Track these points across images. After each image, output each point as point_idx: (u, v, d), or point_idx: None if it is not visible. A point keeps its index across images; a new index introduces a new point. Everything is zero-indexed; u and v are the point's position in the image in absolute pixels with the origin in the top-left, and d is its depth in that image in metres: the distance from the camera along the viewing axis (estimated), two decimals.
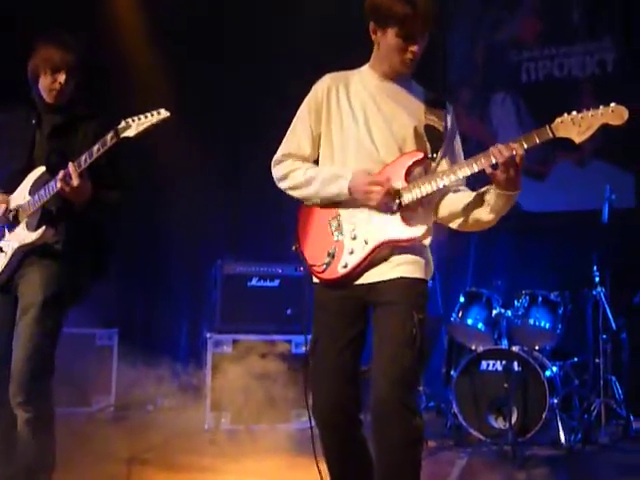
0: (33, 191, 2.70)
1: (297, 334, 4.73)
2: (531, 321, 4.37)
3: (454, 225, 2.33)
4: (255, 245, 6.10)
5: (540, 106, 5.61)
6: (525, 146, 2.11)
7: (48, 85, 2.75)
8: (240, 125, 5.91)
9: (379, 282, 2.24)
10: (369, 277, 2.25)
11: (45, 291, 2.65)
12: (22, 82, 2.85)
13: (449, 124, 2.31)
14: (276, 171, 2.40)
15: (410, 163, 2.23)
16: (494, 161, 2.10)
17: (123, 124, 2.52)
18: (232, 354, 4.62)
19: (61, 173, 2.56)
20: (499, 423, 4.17)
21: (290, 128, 2.41)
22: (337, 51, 5.28)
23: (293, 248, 2.33)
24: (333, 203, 2.29)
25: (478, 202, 2.24)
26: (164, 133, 2.67)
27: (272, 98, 5.64)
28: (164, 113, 2.52)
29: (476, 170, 2.16)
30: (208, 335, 4.69)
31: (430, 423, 3.28)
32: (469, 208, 2.25)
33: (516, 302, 4.48)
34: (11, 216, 2.72)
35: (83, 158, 2.57)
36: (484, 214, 2.24)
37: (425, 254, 2.30)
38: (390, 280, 2.23)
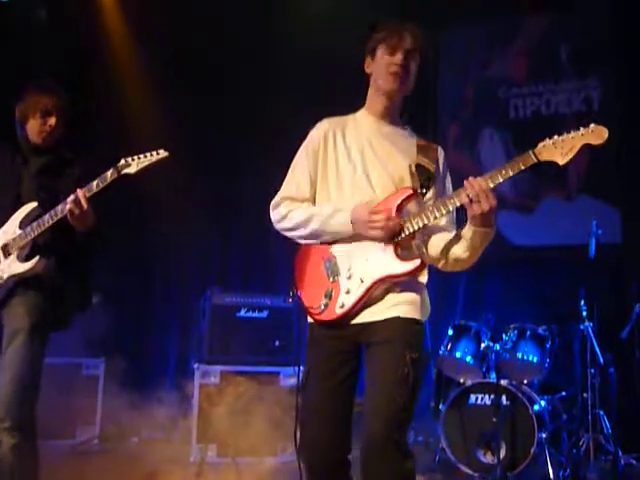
0: (24, 225, 2.82)
1: (285, 365, 4.71)
2: (519, 355, 4.38)
3: (439, 265, 2.35)
4: (243, 276, 6.10)
5: (527, 142, 5.58)
6: (511, 173, 2.16)
7: (38, 127, 2.91)
8: (229, 157, 5.96)
9: (374, 322, 2.24)
10: (365, 316, 2.26)
11: (31, 319, 2.74)
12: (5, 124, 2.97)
13: (441, 165, 2.38)
14: (275, 214, 2.42)
15: (401, 199, 2.27)
16: (468, 193, 2.14)
17: (123, 162, 2.70)
18: (219, 385, 4.59)
19: (72, 196, 2.69)
20: (488, 458, 4.14)
21: (289, 173, 2.45)
22: (332, 85, 5.39)
23: (291, 293, 2.36)
24: (328, 244, 2.31)
25: (456, 240, 2.28)
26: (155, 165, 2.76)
27: (261, 130, 5.71)
28: (163, 153, 2.70)
29: (460, 202, 2.18)
30: (195, 366, 4.66)
31: (418, 457, 3.22)
32: (449, 247, 2.29)
33: (504, 336, 4.48)
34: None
35: (94, 184, 2.71)
36: (461, 251, 2.27)
37: (421, 293, 2.30)
38: (384, 320, 2.24)
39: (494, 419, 4.04)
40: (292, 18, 5.65)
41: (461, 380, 4.46)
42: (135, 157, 2.71)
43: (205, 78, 5.90)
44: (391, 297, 2.26)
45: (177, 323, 5.99)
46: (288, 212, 2.38)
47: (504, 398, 4.15)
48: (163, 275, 6.06)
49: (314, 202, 2.39)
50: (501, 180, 2.17)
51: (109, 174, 2.72)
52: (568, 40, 5.82)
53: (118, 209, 5.10)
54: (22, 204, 2.85)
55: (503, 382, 4.20)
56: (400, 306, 2.24)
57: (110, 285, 5.35)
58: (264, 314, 4.83)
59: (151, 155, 2.70)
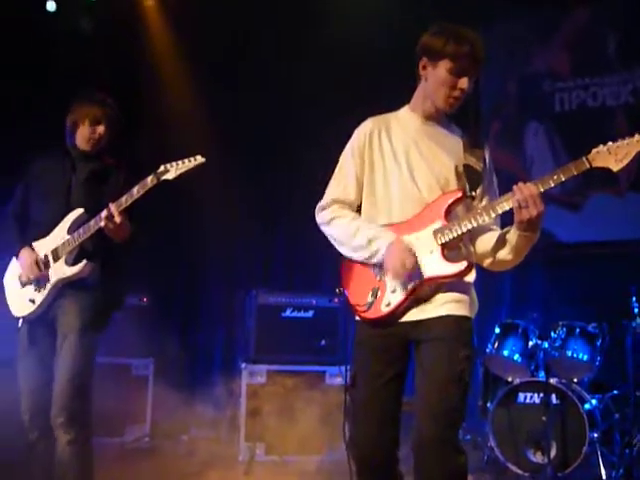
0: (72, 230, 2.93)
1: (331, 365, 4.73)
2: (569, 353, 4.30)
3: (485, 264, 2.37)
4: (288, 276, 6.13)
5: (574, 136, 5.58)
6: (563, 179, 2.13)
7: (87, 135, 3.03)
8: (274, 156, 5.98)
9: (425, 319, 2.25)
10: (413, 315, 2.27)
11: (82, 319, 2.86)
12: (58, 132, 3.09)
13: (487, 164, 2.37)
14: (321, 216, 2.45)
15: (450, 202, 2.28)
16: (517, 199, 2.15)
17: (162, 168, 2.80)
18: (266, 384, 4.63)
19: (104, 212, 2.80)
20: (537, 457, 4.08)
21: (334, 173, 2.46)
22: (373, 83, 5.37)
23: (337, 290, 2.39)
24: None
25: (501, 242, 2.29)
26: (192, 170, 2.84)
27: (305, 127, 5.72)
28: (200, 159, 2.78)
29: (509, 207, 2.20)
30: (243, 365, 4.71)
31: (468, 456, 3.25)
32: (495, 248, 2.30)
33: (553, 333, 4.41)
34: (42, 264, 2.93)
35: (124, 199, 2.82)
36: (505, 253, 2.28)
37: (469, 292, 2.31)
38: (436, 318, 2.24)
39: (544, 418, 3.98)
40: (331, 16, 5.65)
41: (509, 379, 4.41)
42: (174, 163, 2.80)
43: (247, 77, 5.94)
44: (440, 296, 2.26)
45: (223, 322, 6.05)
46: (333, 219, 2.40)
47: (554, 397, 4.09)
48: (208, 275, 6.13)
49: (361, 202, 2.41)
50: (552, 185, 2.15)
51: (149, 180, 2.81)
52: (615, 30, 5.67)
53: (164, 210, 5.22)
54: (71, 209, 2.96)
55: (552, 380, 4.14)
56: (451, 304, 2.25)
57: (157, 286, 5.45)
58: (310, 314, 4.85)
59: (189, 161, 2.78)
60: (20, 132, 4.95)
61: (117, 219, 2.79)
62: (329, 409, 4.59)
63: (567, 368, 4.34)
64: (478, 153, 2.35)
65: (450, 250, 2.26)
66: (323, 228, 2.44)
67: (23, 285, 2.98)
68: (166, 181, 2.79)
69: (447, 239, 2.24)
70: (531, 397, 4.20)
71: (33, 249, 2.98)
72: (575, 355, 4.30)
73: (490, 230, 2.34)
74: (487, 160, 2.37)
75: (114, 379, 4.77)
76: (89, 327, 2.87)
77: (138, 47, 6.00)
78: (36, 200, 3.04)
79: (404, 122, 2.40)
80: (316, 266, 6.06)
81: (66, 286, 2.91)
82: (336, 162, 2.48)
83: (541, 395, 4.13)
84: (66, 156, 3.07)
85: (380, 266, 2.29)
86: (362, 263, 2.34)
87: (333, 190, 2.44)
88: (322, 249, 6.31)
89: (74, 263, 2.90)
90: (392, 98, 2.51)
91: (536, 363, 4.38)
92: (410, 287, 2.24)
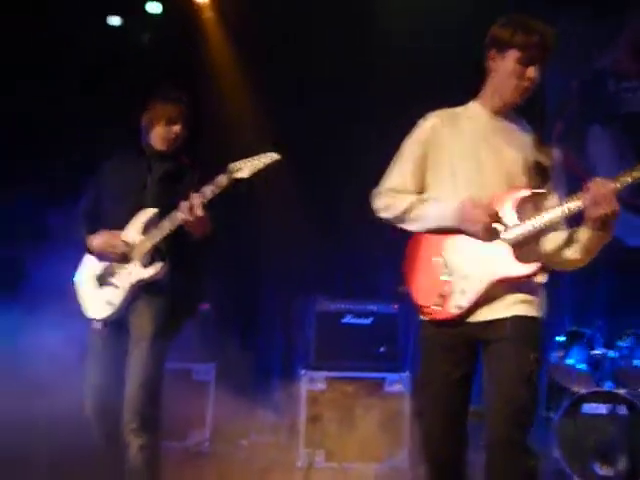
0: (145, 231, 2.88)
1: (391, 372, 4.69)
2: (636, 362, 4.17)
3: (552, 264, 2.30)
4: (346, 282, 6.12)
5: None
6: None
7: (164, 134, 3.00)
8: (330, 161, 5.96)
9: (494, 320, 2.23)
10: (482, 315, 2.24)
11: (156, 323, 2.84)
12: (133, 131, 3.10)
13: (556, 161, 2.33)
14: (377, 202, 2.41)
15: (518, 198, 2.22)
16: (592, 195, 2.08)
17: (235, 167, 2.73)
18: (326, 391, 4.62)
19: (186, 204, 2.73)
20: (605, 470, 3.95)
21: (393, 163, 2.42)
22: (435, 81, 5.31)
23: (400, 289, 2.39)
24: (439, 242, 2.29)
25: (570, 241, 2.23)
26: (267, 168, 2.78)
27: (364, 136, 5.71)
28: (275, 156, 2.70)
29: (583, 205, 2.12)
30: (302, 372, 4.71)
31: None
32: (562, 247, 2.25)
33: (619, 342, 4.29)
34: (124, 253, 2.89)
35: (208, 190, 2.73)
36: (574, 252, 2.23)
37: (540, 293, 2.28)
38: (505, 318, 2.21)
39: (611, 429, 3.86)
40: (388, 17, 5.62)
41: (574, 389, 4.29)
42: (246, 160, 2.72)
43: (305, 79, 5.97)
44: (510, 297, 2.23)
45: (282, 329, 6.08)
46: (391, 203, 2.36)
47: (622, 407, 3.96)
48: (267, 281, 6.17)
49: (417, 194, 2.37)
50: (630, 182, 2.08)
51: (223, 179, 2.75)
52: None
53: (224, 217, 5.29)
54: (144, 209, 2.91)
55: (620, 391, 4.01)
56: (520, 305, 2.22)
57: (217, 292, 5.52)
58: (369, 320, 4.82)
59: (262, 158, 2.72)
60: (84, 146, 5.12)
61: (199, 212, 2.72)
62: (389, 416, 4.57)
63: (635, 378, 4.20)
64: (547, 150, 2.30)
65: (521, 249, 2.20)
66: (381, 214, 2.41)
67: (99, 287, 2.94)
68: (241, 180, 2.72)
69: (519, 237, 2.20)
70: (597, 408, 4.08)
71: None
72: None
73: (558, 229, 2.27)
74: (556, 157, 2.32)
75: (176, 384, 4.83)
76: (162, 333, 2.85)
77: (198, 59, 6.10)
78: (109, 200, 3.01)
79: (473, 117, 2.36)
80: (375, 272, 6.04)
81: (141, 288, 2.88)
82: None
83: (608, 406, 4.00)
84: (141, 156, 3.04)
85: (447, 267, 2.25)
86: (428, 263, 2.29)
87: (390, 179, 2.41)
88: (381, 255, 6.32)
89: (149, 264, 2.87)
90: (450, 98, 2.47)
91: (602, 373, 4.26)
92: (481, 288, 2.20)
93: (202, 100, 5.82)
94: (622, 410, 3.96)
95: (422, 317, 2.34)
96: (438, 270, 2.27)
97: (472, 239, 2.23)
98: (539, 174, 2.25)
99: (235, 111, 6.11)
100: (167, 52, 5.90)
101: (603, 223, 2.11)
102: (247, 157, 2.73)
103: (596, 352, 4.26)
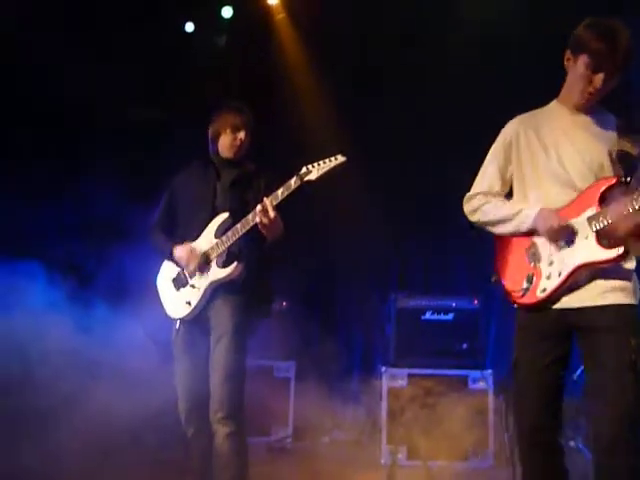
0: (219, 234, 3.03)
1: (473, 368, 4.62)
2: None
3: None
4: (424, 278, 6.06)
5: None
6: None
7: (230, 142, 3.15)
8: (408, 158, 5.91)
9: (588, 307, 2.30)
10: (572, 301, 2.33)
11: (235, 321, 2.98)
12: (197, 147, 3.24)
13: None
14: (467, 206, 2.63)
15: (603, 189, 2.29)
16: None
17: (304, 170, 2.85)
18: (407, 388, 4.60)
19: (259, 206, 2.86)
20: None
21: (481, 169, 2.63)
22: (509, 83, 5.19)
23: (492, 279, 2.53)
24: (528, 232, 2.43)
25: None
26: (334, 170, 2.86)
27: (437, 128, 5.63)
28: (341, 158, 2.80)
29: None
30: (383, 369, 4.70)
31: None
32: None
33: None
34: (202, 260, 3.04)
35: (280, 192, 2.86)
36: None
37: (631, 279, 2.33)
38: (600, 307, 2.28)
39: None
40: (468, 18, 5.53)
41: None
42: (315, 164, 2.83)
43: (378, 78, 5.94)
44: (601, 283, 2.29)
45: (361, 326, 6.08)
46: (480, 206, 2.56)
47: None
48: (345, 279, 6.18)
49: (504, 195, 2.55)
50: None
51: (292, 182, 2.86)
52: None
53: (301, 215, 5.32)
54: (216, 215, 3.06)
55: None
56: (614, 293, 2.28)
57: (296, 290, 5.57)
58: (449, 316, 4.77)
59: (330, 161, 2.81)
60: (162, 152, 5.27)
61: (271, 214, 2.84)
62: (472, 413, 4.49)
63: None
64: (632, 137, 2.33)
65: (606, 236, 2.25)
66: (470, 217, 2.61)
67: (178, 288, 3.11)
68: (309, 182, 2.82)
69: (601, 226, 2.25)
70: None
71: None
72: None
73: None
74: None
75: (258, 380, 4.91)
76: (241, 329, 2.98)
77: (270, 60, 6.17)
78: (182, 209, 3.18)
79: (553, 116, 2.47)
80: (453, 268, 5.96)
81: (219, 288, 3.02)
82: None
83: None
84: (209, 165, 3.19)
85: (534, 253, 2.39)
86: (516, 250, 2.45)
87: (479, 184, 2.60)
88: (458, 251, 6.21)
89: (224, 265, 3.00)
90: (538, 97, 2.50)
91: None
92: (566, 273, 2.30)
93: (275, 102, 5.90)
94: None
95: (515, 304, 2.46)
96: (527, 257, 2.42)
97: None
98: (626, 162, 2.29)
99: (308, 113, 6.14)
100: (240, 55, 5.98)
101: None
102: (317, 160, 2.84)
103: None
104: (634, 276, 2.32)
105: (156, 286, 3.25)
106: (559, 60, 2.45)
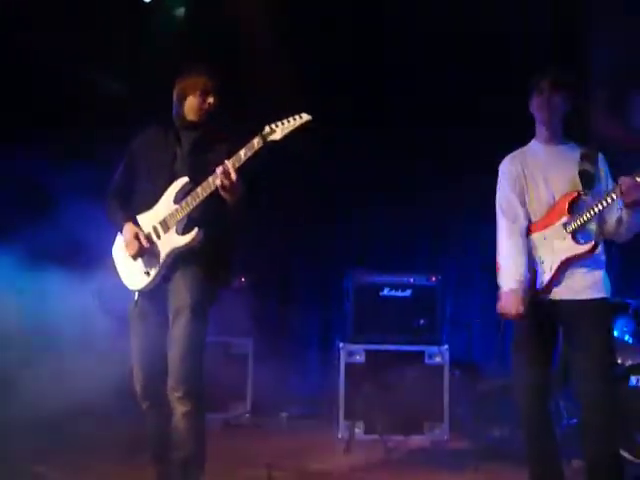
0: (178, 199, 2.92)
1: (430, 344, 4.67)
2: None
3: (615, 239, 3.01)
4: (383, 255, 6.08)
5: None
6: None
7: (198, 105, 3.02)
8: (371, 127, 5.82)
9: (572, 300, 2.89)
10: (562, 294, 2.92)
11: (195, 293, 2.88)
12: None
13: (600, 166, 3.01)
14: (499, 225, 3.11)
15: (568, 201, 2.96)
16: (621, 189, 2.78)
17: (267, 129, 2.74)
18: (365, 364, 4.63)
19: (220, 168, 2.76)
20: None
21: (500, 205, 3.12)
22: None
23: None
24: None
25: (619, 221, 2.94)
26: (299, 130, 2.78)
27: (404, 92, 5.54)
28: (306, 116, 2.71)
29: (616, 196, 2.80)
30: (341, 345, 4.71)
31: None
32: (617, 225, 2.96)
33: None
34: (144, 239, 2.94)
35: (242, 153, 2.76)
36: (618, 228, 2.95)
37: (602, 266, 2.96)
38: (581, 300, 2.89)
39: None
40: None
41: (620, 360, 4.20)
42: (279, 122, 2.73)
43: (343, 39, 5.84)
44: (580, 278, 2.90)
45: (319, 302, 6.08)
46: (502, 239, 3.06)
47: None
48: (304, 255, 6.16)
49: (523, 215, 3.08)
50: None
51: (255, 142, 2.76)
52: None
53: (259, 190, 5.27)
54: (176, 180, 2.93)
55: None
56: (592, 289, 2.89)
57: (254, 266, 5.53)
58: (407, 293, 4.79)
59: (294, 119, 2.71)
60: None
61: (233, 176, 2.75)
62: (428, 389, 4.56)
63: None
64: (593, 159, 2.98)
65: (580, 234, 2.92)
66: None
67: (135, 258, 2.98)
68: (274, 142, 2.73)
69: (573, 228, 2.92)
70: None
71: (136, 223, 2.99)
72: None
73: (613, 213, 2.94)
74: (600, 164, 3.00)
75: (216, 357, 4.88)
76: (201, 301, 2.89)
77: (234, 29, 6.00)
78: (141, 175, 3.05)
79: (534, 152, 3.10)
80: (412, 245, 6.00)
81: (178, 258, 2.92)
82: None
83: None
84: (169, 129, 3.07)
85: (530, 255, 2.97)
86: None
87: (505, 218, 3.07)
88: (418, 228, 6.23)
89: (184, 232, 2.90)
90: None
91: None
92: (555, 267, 2.92)
93: (241, 68, 5.77)
94: None
95: None
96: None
97: (542, 235, 2.97)
98: (586, 179, 2.94)
99: (271, 77, 6.00)
100: (201, 25, 5.84)
101: (634, 204, 2.81)
102: (280, 119, 2.73)
103: None
104: (604, 264, 2.96)
105: (112, 256, 3.12)
106: None
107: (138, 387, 2.98)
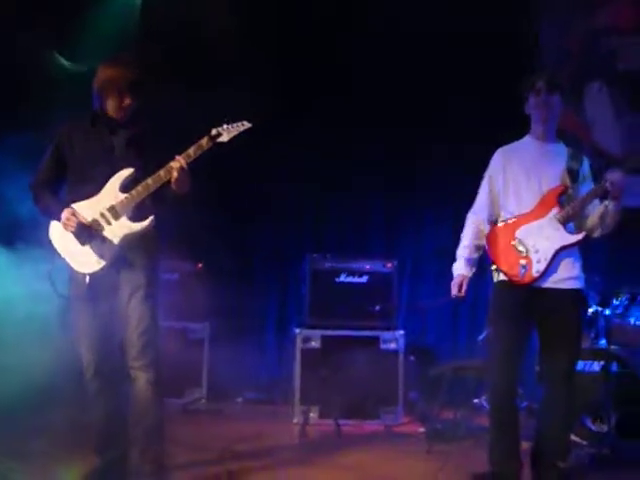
0: (123, 188, 3.01)
1: (385, 330, 4.72)
2: (631, 320, 4.19)
3: (594, 234, 3.23)
4: (338, 241, 6.10)
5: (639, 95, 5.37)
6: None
7: (117, 105, 3.05)
8: (330, 114, 5.82)
9: (556, 289, 3.13)
10: (548, 282, 3.13)
11: (147, 274, 3.04)
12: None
13: (584, 165, 3.27)
14: (466, 219, 3.38)
15: (557, 195, 3.20)
16: (604, 186, 3.09)
17: (215, 132, 3.00)
18: (320, 349, 4.66)
19: (175, 162, 2.96)
20: (597, 426, 3.99)
21: (479, 194, 3.38)
22: None
23: (493, 267, 3.23)
24: (512, 230, 3.21)
25: (598, 215, 3.19)
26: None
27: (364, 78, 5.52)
28: (247, 124, 3.03)
29: (601, 191, 3.11)
30: (297, 330, 4.73)
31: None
32: (597, 219, 3.20)
33: (615, 300, 4.29)
34: (95, 225, 3.01)
35: (191, 150, 2.98)
36: (599, 222, 3.20)
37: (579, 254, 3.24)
38: (559, 290, 3.14)
39: (604, 386, 3.89)
40: None
41: None
42: (225, 126, 3.00)
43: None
44: (565, 267, 3.14)
45: (275, 288, 6.07)
46: (465, 228, 3.35)
47: (615, 365, 3.99)
48: (261, 240, 6.14)
49: (492, 213, 3.32)
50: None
51: (204, 142, 2.98)
52: None
53: (217, 176, 5.23)
54: (115, 171, 3.02)
55: (614, 348, 4.04)
56: (570, 280, 3.14)
57: (211, 252, 5.50)
58: (364, 279, 4.83)
59: (238, 126, 3.01)
60: None
61: (184, 171, 2.95)
62: (383, 374, 4.62)
63: (629, 336, 4.22)
64: (579, 158, 3.26)
65: (568, 225, 3.18)
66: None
67: (83, 243, 3.01)
68: (222, 143, 2.98)
69: (564, 219, 3.15)
70: (590, 365, 4.10)
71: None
72: (638, 323, 4.17)
73: (594, 209, 3.20)
74: (585, 164, 3.27)
75: (171, 342, 4.85)
76: (154, 281, 3.06)
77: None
78: (74, 164, 3.06)
79: (527, 147, 3.30)
80: (369, 230, 6.03)
81: (130, 242, 3.02)
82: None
83: (601, 363, 4.02)
84: (96, 119, 3.09)
85: (521, 245, 3.16)
86: (504, 243, 3.20)
87: (475, 206, 3.37)
88: (375, 213, 6.24)
89: (136, 219, 3.01)
90: None
91: (596, 331, 4.27)
92: (550, 256, 3.13)
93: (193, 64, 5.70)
94: (615, 367, 3.98)
95: (495, 280, 3.24)
96: (516, 248, 3.18)
97: (537, 225, 3.17)
98: (572, 176, 3.20)
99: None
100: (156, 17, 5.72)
101: (614, 198, 3.09)
102: (226, 124, 3.01)
103: (590, 310, 4.27)
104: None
105: (53, 244, 3.10)
106: None
107: (88, 368, 3.02)
